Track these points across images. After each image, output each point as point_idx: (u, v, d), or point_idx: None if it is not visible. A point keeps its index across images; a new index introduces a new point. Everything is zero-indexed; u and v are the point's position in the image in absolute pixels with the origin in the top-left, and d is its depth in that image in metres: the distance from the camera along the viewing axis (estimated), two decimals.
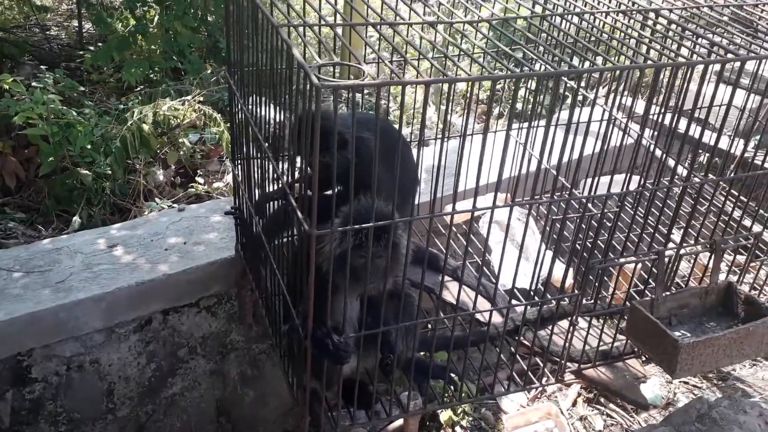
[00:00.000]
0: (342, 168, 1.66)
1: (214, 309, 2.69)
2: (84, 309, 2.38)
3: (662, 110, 2.20)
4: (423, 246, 2.58)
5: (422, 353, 2.27)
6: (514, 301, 2.29)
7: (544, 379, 2.13)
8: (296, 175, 1.72)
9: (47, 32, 6.29)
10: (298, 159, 1.73)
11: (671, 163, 2.29)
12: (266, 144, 1.85)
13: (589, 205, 1.95)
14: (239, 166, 2.32)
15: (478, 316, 2.30)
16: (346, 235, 1.67)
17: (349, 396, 1.96)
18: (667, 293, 2.01)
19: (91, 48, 5.28)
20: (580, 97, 2.90)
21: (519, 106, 3.02)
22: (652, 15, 2.05)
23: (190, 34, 4.53)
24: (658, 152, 2.59)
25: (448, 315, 2.24)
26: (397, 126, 2.69)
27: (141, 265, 2.53)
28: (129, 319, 2.51)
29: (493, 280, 2.53)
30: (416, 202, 2.53)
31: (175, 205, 3.15)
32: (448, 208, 2.81)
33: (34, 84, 3.78)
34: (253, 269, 2.37)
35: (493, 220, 2.72)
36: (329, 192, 2.04)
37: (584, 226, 2.09)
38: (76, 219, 3.35)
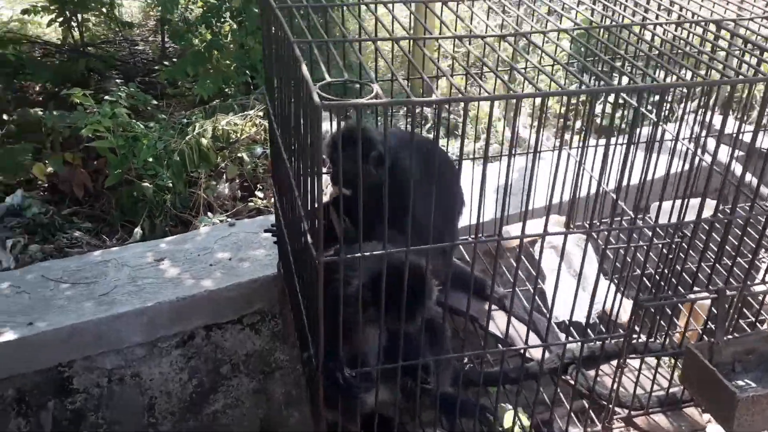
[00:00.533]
0: (374, 187, 1.57)
1: (257, 326, 2.65)
2: (125, 323, 2.38)
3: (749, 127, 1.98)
4: (467, 270, 2.45)
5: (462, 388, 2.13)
6: (562, 337, 2.12)
7: (589, 427, 1.94)
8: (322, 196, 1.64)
9: (134, 47, 6.53)
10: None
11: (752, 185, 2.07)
12: (289, 164, 1.78)
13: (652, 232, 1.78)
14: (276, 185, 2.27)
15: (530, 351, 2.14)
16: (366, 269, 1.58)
17: (370, 430, 1.85)
18: (731, 336, 1.79)
19: (172, 62, 5.43)
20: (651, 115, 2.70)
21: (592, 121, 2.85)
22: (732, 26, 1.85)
23: (261, 49, 4.55)
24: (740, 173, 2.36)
25: (491, 350, 2.10)
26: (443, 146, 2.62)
27: (184, 280, 2.52)
28: (170, 334, 2.50)
29: (544, 311, 2.37)
30: (459, 224, 2.41)
31: (229, 219, 3.14)
32: (510, 229, 2.71)
33: (107, 98, 3.90)
34: (290, 288, 2.31)
35: (548, 245, 2.57)
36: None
37: (642, 257, 1.91)
38: (137, 230, 3.40)
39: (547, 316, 2.33)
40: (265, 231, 2.54)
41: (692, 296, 1.83)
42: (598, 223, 2.49)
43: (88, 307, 2.39)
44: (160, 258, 2.66)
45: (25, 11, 5.79)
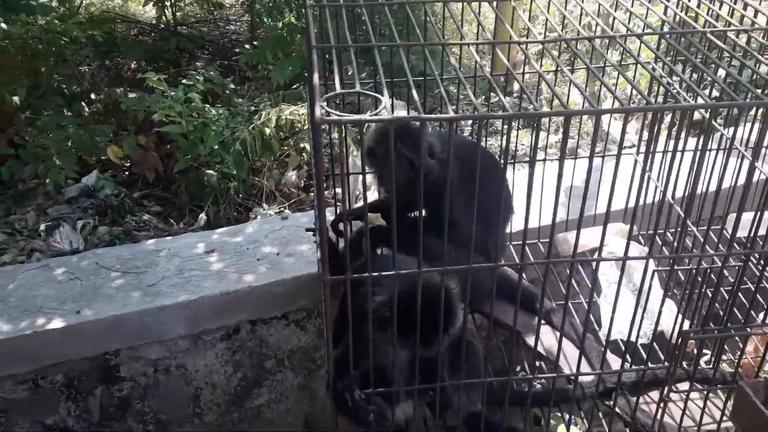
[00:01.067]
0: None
1: (303, 323, 2.61)
2: (168, 315, 2.40)
3: None
4: (515, 278, 2.31)
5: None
6: (611, 360, 1.96)
7: None
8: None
9: (225, 27, 6.62)
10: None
11: None
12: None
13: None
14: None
15: (566, 370, 1.99)
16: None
17: None
18: None
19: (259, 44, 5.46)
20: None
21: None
22: None
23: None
24: None
25: (521, 377, 1.96)
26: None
27: (229, 274, 2.51)
28: (214, 328, 2.50)
29: (596, 327, 2.20)
30: (507, 230, 2.26)
31: (283, 211, 3.11)
32: (569, 236, 2.53)
33: (183, 82, 3.95)
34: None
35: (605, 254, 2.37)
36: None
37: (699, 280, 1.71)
38: (202, 216, 3.44)
39: (596, 335, 2.17)
40: (307, 230, 2.48)
41: (746, 331, 1.63)
42: (665, 234, 2.28)
43: (134, 297, 2.42)
44: (211, 250, 2.66)
45: None
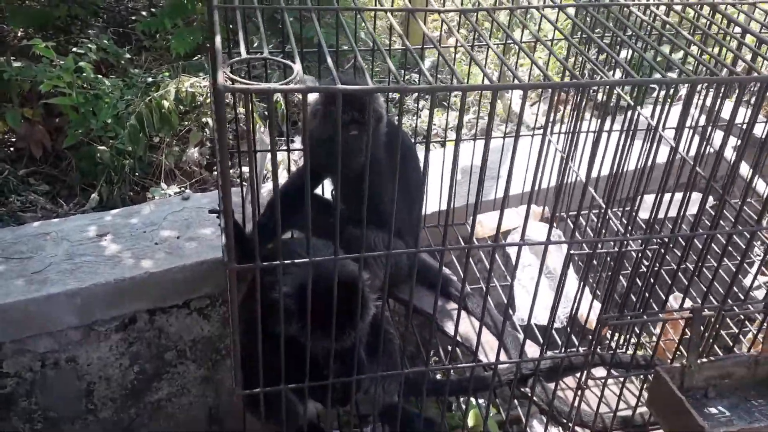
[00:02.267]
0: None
1: (206, 311, 2.46)
2: (56, 304, 2.19)
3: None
4: (431, 263, 2.25)
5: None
6: (528, 349, 1.93)
7: None
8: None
9: None
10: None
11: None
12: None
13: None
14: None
15: (482, 357, 1.95)
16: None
17: None
18: (706, 359, 1.59)
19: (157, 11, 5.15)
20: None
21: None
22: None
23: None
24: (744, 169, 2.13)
25: (438, 366, 1.90)
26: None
27: (124, 260, 2.32)
28: (108, 318, 2.31)
29: (511, 312, 2.17)
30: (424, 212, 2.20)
31: (185, 191, 2.92)
32: (484, 218, 2.49)
33: (74, 50, 3.66)
34: None
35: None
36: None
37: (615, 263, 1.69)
38: (94, 196, 3.19)
39: (512, 320, 2.14)
40: (210, 212, 2.33)
41: (663, 316, 1.62)
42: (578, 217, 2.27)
43: (17, 285, 2.19)
44: (103, 233, 2.45)
45: None
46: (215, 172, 3.30)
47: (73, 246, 2.38)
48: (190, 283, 2.35)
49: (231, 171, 3.31)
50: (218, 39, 1.24)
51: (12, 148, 3.66)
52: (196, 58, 4.39)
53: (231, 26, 2.13)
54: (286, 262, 1.27)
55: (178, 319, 2.43)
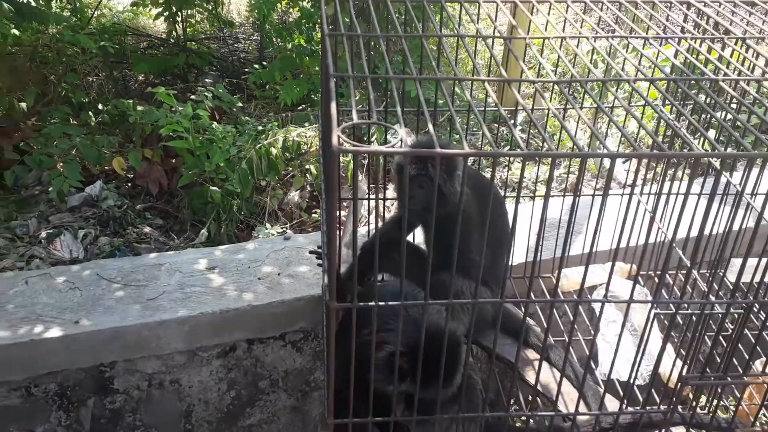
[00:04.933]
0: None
1: (299, 345, 2.61)
2: (167, 329, 2.40)
3: None
4: (515, 313, 2.32)
5: None
6: (609, 403, 1.96)
7: None
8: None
9: (233, 45, 6.68)
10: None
11: None
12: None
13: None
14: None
15: (561, 408, 2.00)
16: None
17: None
18: None
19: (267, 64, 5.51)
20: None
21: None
22: None
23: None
24: None
25: (518, 413, 1.97)
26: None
27: (229, 292, 2.51)
28: (211, 345, 2.50)
29: (593, 366, 2.20)
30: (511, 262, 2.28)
31: (287, 231, 3.12)
32: (568, 272, 2.55)
33: (192, 97, 3.98)
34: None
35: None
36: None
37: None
38: (203, 232, 3.45)
39: (593, 374, 2.18)
40: (310, 252, 2.49)
41: (746, 378, 1.64)
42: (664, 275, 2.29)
43: (134, 310, 2.42)
44: (212, 267, 2.67)
45: (135, 3, 6.03)
46: (314, 215, 3.50)
47: (184, 277, 2.60)
48: (288, 316, 2.52)
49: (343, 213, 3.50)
50: (333, 105, 1.39)
51: (130, 185, 4.00)
52: (300, 107, 4.68)
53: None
54: (380, 303, 1.39)
55: (274, 350, 2.59)
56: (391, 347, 1.56)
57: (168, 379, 2.50)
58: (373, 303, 1.41)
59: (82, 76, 4.96)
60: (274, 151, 3.23)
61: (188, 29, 6.14)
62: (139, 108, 4.07)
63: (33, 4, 4.56)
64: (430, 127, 1.37)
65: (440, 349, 1.48)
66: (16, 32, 4.54)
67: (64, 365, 2.36)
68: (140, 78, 6.10)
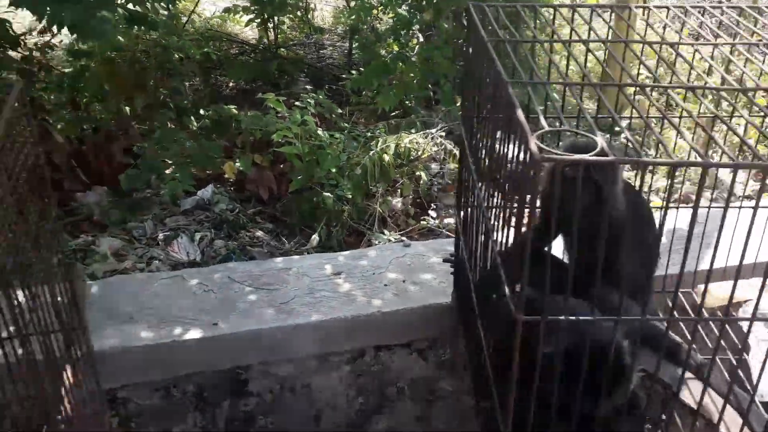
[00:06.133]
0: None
1: (425, 353, 2.61)
2: (302, 333, 2.43)
3: None
4: (661, 330, 2.26)
5: None
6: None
7: None
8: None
9: (321, 51, 6.77)
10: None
11: None
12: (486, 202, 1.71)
13: None
14: (461, 214, 2.21)
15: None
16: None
17: None
18: None
19: (358, 70, 5.55)
20: None
21: None
22: None
23: (447, 64, 4.53)
24: None
25: None
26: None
27: (358, 298, 2.53)
28: (342, 350, 2.51)
29: (747, 386, 2.13)
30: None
31: (403, 238, 3.13)
32: (712, 288, 2.47)
33: (297, 104, 4.04)
34: (464, 322, 2.25)
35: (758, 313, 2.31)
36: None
37: None
38: (315, 237, 3.49)
39: (751, 393, 2.11)
40: (444, 260, 2.49)
41: None
42: None
43: (268, 313, 2.45)
44: (338, 272, 2.69)
45: (226, 10, 6.15)
46: (423, 221, 3.50)
47: (312, 281, 2.63)
48: (415, 324, 2.52)
49: (448, 221, 3.50)
50: (519, 112, 1.38)
51: (234, 189, 4.08)
52: (393, 113, 4.70)
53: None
54: (571, 318, 1.38)
55: (400, 357, 2.59)
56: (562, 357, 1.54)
57: (300, 383, 2.53)
58: (562, 317, 1.39)
59: (182, 82, 5.09)
60: (386, 157, 3.25)
61: (279, 36, 6.24)
62: (249, 113, 4.15)
63: (140, 10, 4.70)
64: (601, 141, 1.32)
65: (608, 361, 1.45)
66: (121, 38, 4.68)
67: (203, 367, 2.41)
68: (230, 84, 6.24)
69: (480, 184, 1.82)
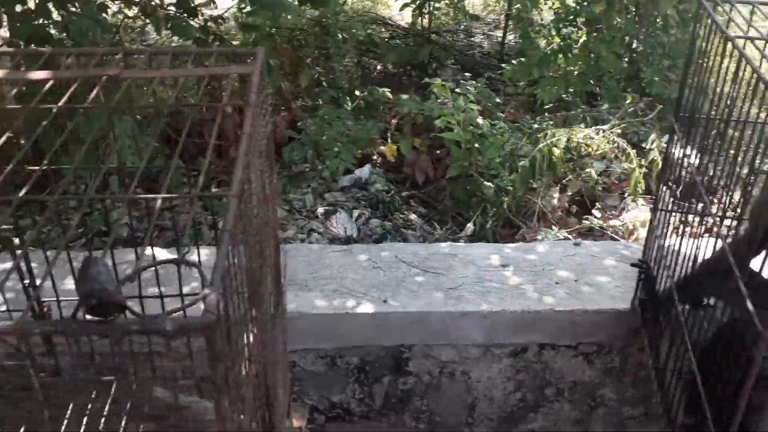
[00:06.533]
0: None
1: (591, 357, 2.53)
2: (469, 321, 2.41)
3: None
4: None
5: None
6: None
7: None
8: None
9: (470, 39, 6.71)
10: None
11: None
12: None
13: None
14: (660, 218, 2.11)
15: None
16: None
17: None
18: None
19: (510, 61, 5.47)
20: None
21: None
22: None
23: (613, 59, 4.37)
24: None
25: None
26: None
27: (528, 293, 2.48)
28: (506, 343, 2.48)
29: None
30: None
31: (569, 237, 3.05)
32: None
33: (457, 90, 4.02)
34: (650, 332, 2.15)
35: None
36: None
37: None
38: (469, 226, 3.46)
39: None
40: (632, 265, 2.39)
41: None
42: None
43: (437, 297, 2.45)
44: (505, 264, 2.65)
45: None
46: (585, 221, 3.39)
47: (480, 270, 2.60)
48: (587, 327, 2.44)
49: (614, 222, 3.38)
50: None
51: (396, 172, 4.09)
52: (547, 106, 4.58)
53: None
54: None
55: (564, 358, 2.52)
56: None
57: (459, 369, 2.52)
58: None
59: (339, 61, 5.17)
60: (556, 151, 3.17)
61: (433, 21, 6.23)
62: (404, 96, 4.17)
63: None
64: None
65: None
66: (289, 16, 4.81)
67: (369, 341, 2.44)
68: (378, 67, 6.29)
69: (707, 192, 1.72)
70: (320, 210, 3.53)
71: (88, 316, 0.69)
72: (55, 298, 1.60)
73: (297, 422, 2.01)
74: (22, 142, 1.34)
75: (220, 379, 0.71)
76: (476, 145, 3.55)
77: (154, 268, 0.96)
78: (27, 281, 1.50)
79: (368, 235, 3.40)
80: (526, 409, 2.60)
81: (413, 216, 3.64)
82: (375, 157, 4.21)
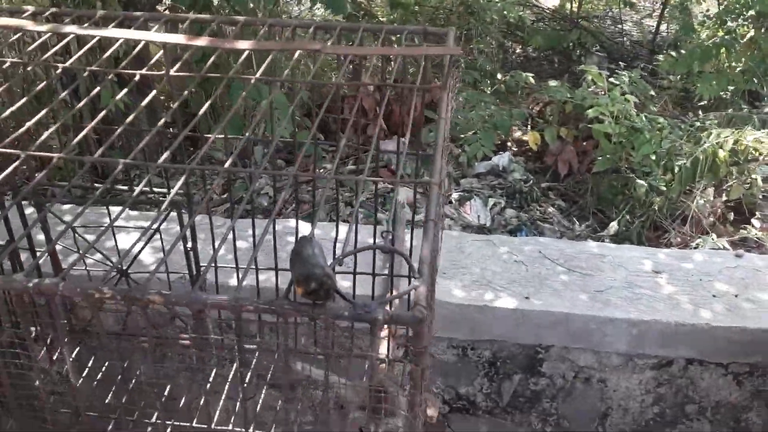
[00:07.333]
0: None
1: (741, 378, 2.34)
2: (615, 328, 2.28)
3: None
4: None
5: None
6: None
7: None
8: None
9: (617, 26, 6.39)
10: None
11: None
12: None
13: None
14: None
15: None
16: None
17: None
18: None
19: (663, 52, 5.14)
20: None
21: None
22: None
23: None
24: None
25: None
26: None
27: (682, 304, 2.31)
28: (651, 354, 2.33)
29: None
30: None
31: (728, 246, 2.82)
32: None
33: (612, 80, 3.81)
34: None
35: None
36: None
37: None
38: (613, 225, 3.29)
39: None
40: None
41: None
42: None
43: (581, 299, 2.33)
44: (658, 270, 2.48)
45: None
46: (742, 231, 3.14)
47: (630, 275, 2.45)
48: (745, 346, 2.25)
49: None
50: None
51: (538, 162, 3.96)
52: (701, 102, 4.28)
53: None
54: None
55: (712, 376, 2.35)
56: None
57: (596, 376, 2.39)
58: None
59: (486, 43, 5.05)
60: (721, 153, 2.93)
61: (583, 5, 5.98)
62: (552, 83, 4.01)
63: None
64: None
65: None
66: None
67: (505, 337, 2.36)
68: (517, 50, 6.12)
69: None
70: (455, 195, 3.46)
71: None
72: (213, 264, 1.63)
73: (430, 411, 1.97)
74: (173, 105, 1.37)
75: (422, 371, 0.67)
76: (629, 139, 3.35)
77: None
78: (189, 245, 1.53)
79: (502, 225, 3.31)
80: (663, 424, 2.44)
81: (551, 209, 3.50)
82: (509, 144, 4.09)
